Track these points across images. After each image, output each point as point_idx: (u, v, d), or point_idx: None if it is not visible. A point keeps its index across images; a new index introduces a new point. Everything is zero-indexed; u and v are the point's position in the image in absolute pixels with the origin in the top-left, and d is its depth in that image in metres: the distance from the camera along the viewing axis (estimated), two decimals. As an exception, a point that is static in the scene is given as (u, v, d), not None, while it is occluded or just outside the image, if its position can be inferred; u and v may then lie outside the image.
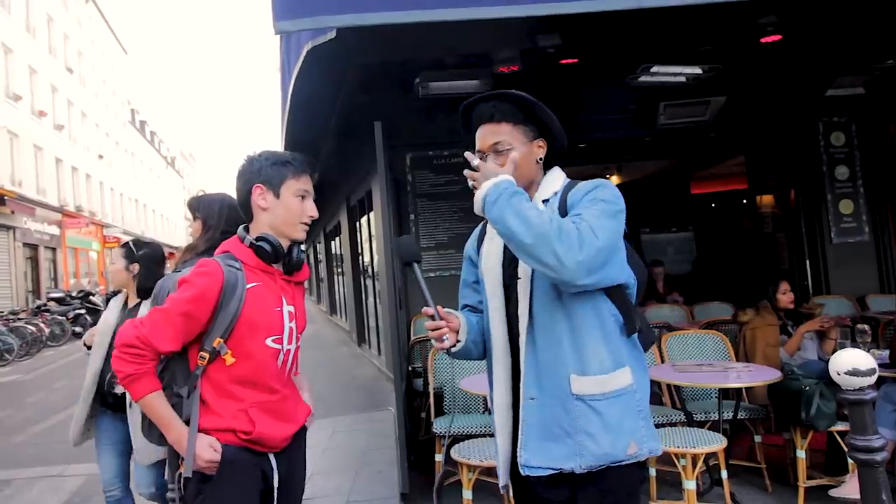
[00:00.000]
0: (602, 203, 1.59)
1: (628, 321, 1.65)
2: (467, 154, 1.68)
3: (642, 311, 1.81)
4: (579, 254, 1.48)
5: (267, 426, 1.79)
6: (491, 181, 1.58)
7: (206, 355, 1.73)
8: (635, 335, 1.69)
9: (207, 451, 1.72)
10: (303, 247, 1.95)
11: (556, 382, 1.62)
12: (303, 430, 1.99)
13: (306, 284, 2.00)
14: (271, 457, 1.86)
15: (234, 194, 1.94)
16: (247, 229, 1.85)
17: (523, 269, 1.68)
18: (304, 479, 2.03)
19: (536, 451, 1.64)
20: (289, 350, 1.85)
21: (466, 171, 1.66)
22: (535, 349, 1.66)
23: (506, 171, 1.63)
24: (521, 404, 1.68)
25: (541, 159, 1.75)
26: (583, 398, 1.60)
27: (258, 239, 1.79)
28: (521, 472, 1.67)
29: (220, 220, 2.37)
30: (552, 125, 1.74)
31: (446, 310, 1.73)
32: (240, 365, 1.76)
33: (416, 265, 1.76)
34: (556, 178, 1.76)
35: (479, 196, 1.59)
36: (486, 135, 1.73)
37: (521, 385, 1.68)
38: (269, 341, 1.78)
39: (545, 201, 1.71)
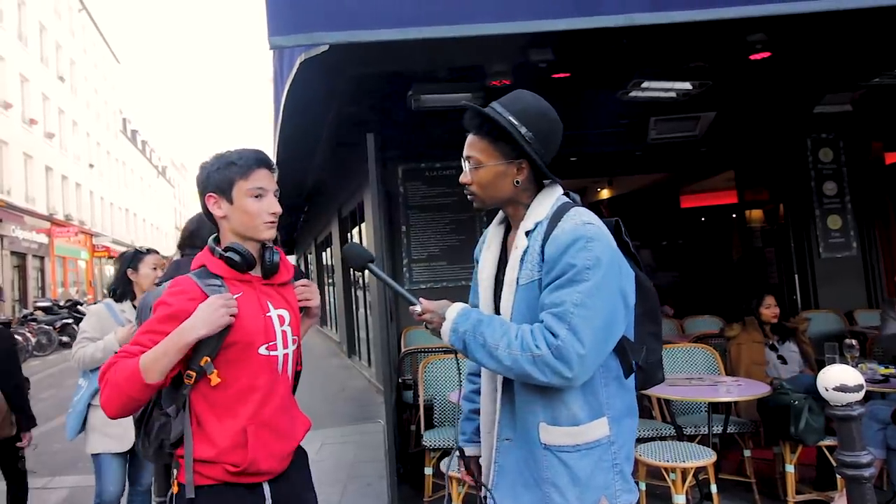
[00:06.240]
0: (582, 279, 1.43)
1: (624, 363, 1.54)
2: (412, 309, 1.58)
3: (652, 344, 1.64)
4: (567, 371, 1.40)
5: (263, 446, 1.68)
6: (447, 325, 1.51)
7: (193, 374, 1.63)
8: (631, 376, 1.57)
9: (219, 308, 1.59)
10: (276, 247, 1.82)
11: (527, 428, 1.54)
12: (302, 451, 1.87)
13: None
14: (265, 487, 1.73)
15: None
16: (217, 240, 1.75)
17: (506, 297, 1.58)
18: (313, 501, 1.89)
19: (507, 495, 1.58)
20: (286, 354, 1.76)
21: (413, 315, 1.59)
22: (510, 388, 1.57)
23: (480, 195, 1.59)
24: (495, 445, 1.61)
25: (518, 182, 1.58)
26: (551, 449, 1.51)
27: (226, 250, 1.69)
28: None
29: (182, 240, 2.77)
30: (524, 146, 1.55)
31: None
32: (229, 384, 1.66)
33: (371, 264, 1.67)
34: (544, 204, 1.59)
35: (445, 340, 1.53)
36: (467, 144, 1.63)
37: (496, 424, 1.61)
38: (262, 350, 1.70)
39: (528, 233, 1.57)
